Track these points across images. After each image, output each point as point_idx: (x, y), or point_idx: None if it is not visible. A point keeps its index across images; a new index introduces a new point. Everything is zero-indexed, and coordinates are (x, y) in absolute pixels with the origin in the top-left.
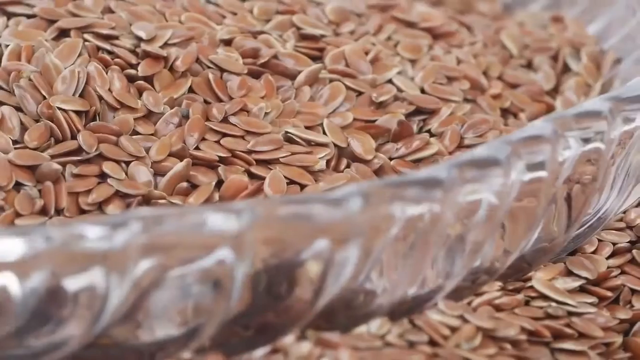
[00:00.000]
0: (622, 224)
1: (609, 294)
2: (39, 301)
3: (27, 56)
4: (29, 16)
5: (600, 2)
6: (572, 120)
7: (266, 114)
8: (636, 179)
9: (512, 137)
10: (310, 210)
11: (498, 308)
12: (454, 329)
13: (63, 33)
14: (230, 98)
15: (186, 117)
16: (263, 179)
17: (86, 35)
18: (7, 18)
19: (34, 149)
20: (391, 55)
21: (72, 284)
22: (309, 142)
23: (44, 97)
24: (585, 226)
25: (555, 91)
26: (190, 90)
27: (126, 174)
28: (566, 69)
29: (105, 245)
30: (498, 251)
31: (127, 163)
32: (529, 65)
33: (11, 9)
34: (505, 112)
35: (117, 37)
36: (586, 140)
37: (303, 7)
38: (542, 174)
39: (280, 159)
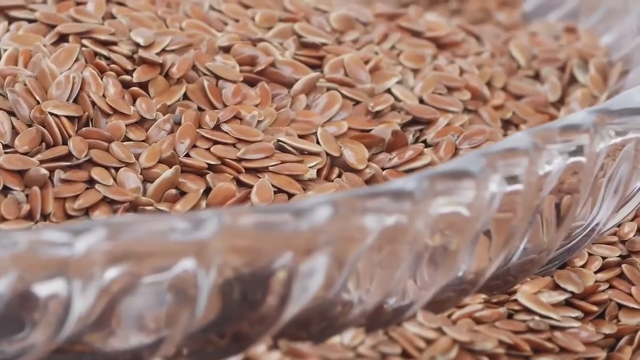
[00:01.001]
0: (614, 238)
1: (595, 308)
2: (5, 306)
3: (25, 61)
4: (30, 21)
5: (615, 13)
6: (555, 132)
7: (259, 122)
8: (623, 191)
9: (489, 149)
10: (276, 220)
11: (478, 321)
12: (429, 342)
13: (62, 38)
14: (225, 105)
15: (178, 123)
16: (251, 187)
17: (84, 41)
18: (10, 22)
19: (24, 154)
20: (393, 64)
21: (37, 289)
22: (301, 151)
23: (38, 102)
24: (576, 239)
25: (561, 102)
26: (186, 97)
27: (115, 180)
28: (573, 80)
29: (67, 252)
30: (481, 263)
31: (117, 169)
32: (536, 76)
33: (14, 13)
34: (507, 123)
35: (115, 43)
36: (571, 153)
37: (307, 15)
38: (518, 186)
39: (269, 168)
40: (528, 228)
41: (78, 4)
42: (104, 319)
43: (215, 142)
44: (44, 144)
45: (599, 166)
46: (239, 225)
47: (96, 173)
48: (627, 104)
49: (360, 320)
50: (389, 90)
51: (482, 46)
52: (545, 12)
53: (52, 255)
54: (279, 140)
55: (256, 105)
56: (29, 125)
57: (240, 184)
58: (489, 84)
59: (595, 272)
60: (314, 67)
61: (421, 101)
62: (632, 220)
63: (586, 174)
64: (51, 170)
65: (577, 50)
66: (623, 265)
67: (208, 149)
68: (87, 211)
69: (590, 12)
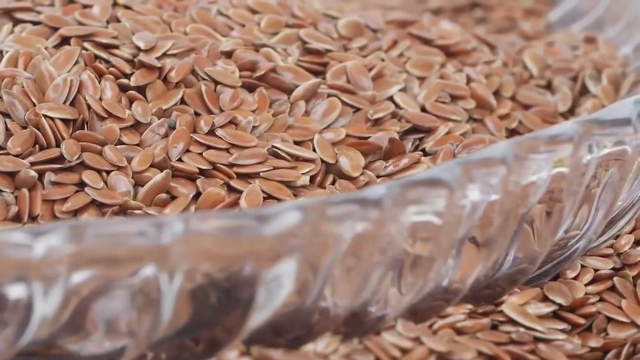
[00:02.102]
0: (610, 250)
1: (582, 321)
2: None
3: (25, 63)
4: (35, 23)
5: (636, 22)
6: (540, 142)
7: (254, 127)
8: (611, 202)
9: (467, 158)
10: (240, 226)
11: (460, 331)
12: (405, 351)
13: (65, 41)
14: (222, 110)
15: (173, 128)
16: (242, 192)
17: (85, 44)
18: (15, 24)
19: (17, 156)
20: (398, 72)
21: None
22: (295, 157)
23: (34, 104)
24: (570, 250)
25: (571, 113)
26: (183, 101)
27: (106, 183)
28: (585, 90)
29: (26, 254)
30: (467, 272)
31: (109, 172)
32: (548, 86)
33: (19, 15)
34: (512, 133)
35: (117, 47)
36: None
37: (315, 21)
38: (494, 196)
39: (260, 173)
40: (514, 237)
41: (85, 6)
42: (75, 323)
43: (209, 147)
44: (37, 146)
45: (589, 176)
46: (201, 231)
47: (87, 176)
48: (618, 114)
49: (337, 327)
50: (391, 98)
51: (496, 55)
52: (572, 22)
53: (11, 257)
54: (273, 146)
55: (253, 111)
56: (24, 127)
57: (231, 189)
58: (497, 93)
59: (587, 285)
60: (317, 73)
61: (423, 109)
62: (630, 232)
63: (569, 184)
64: (42, 173)
65: (592, 60)
66: (615, 278)
67: (201, 154)
68: (75, 214)
69: (614, 22)
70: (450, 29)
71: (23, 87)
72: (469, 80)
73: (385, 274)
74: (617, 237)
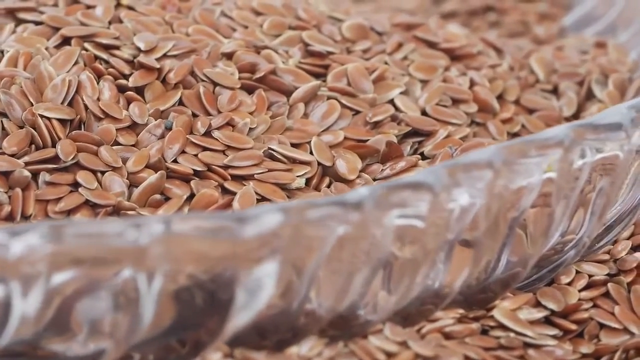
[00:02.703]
0: (606, 256)
1: (573, 327)
2: None
3: (25, 63)
4: (37, 23)
5: None
6: (531, 147)
7: (251, 129)
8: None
9: (455, 161)
10: (219, 227)
11: (448, 336)
12: (390, 355)
13: (66, 41)
14: (220, 112)
15: (170, 129)
16: (235, 194)
17: (86, 44)
18: (18, 24)
19: (12, 155)
20: (400, 75)
21: None
22: (291, 160)
23: (32, 104)
24: (567, 254)
25: (576, 118)
26: (182, 103)
27: (100, 183)
28: (591, 95)
29: (3, 253)
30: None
31: (104, 173)
32: (554, 91)
33: (22, 15)
34: (515, 137)
35: (118, 47)
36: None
37: (319, 23)
38: (479, 200)
39: (255, 175)
40: (506, 241)
41: (88, 7)
42: (58, 323)
43: (205, 149)
44: (33, 146)
45: (584, 180)
46: (180, 232)
47: (81, 176)
48: (611, 119)
49: (323, 330)
50: (391, 101)
51: (502, 59)
52: (586, 26)
53: None
54: (269, 148)
55: (251, 113)
56: (21, 127)
57: (225, 191)
58: (501, 97)
59: (581, 290)
60: (319, 75)
61: (424, 112)
62: (628, 238)
63: (559, 188)
64: (37, 173)
65: (599, 65)
66: (609, 284)
67: (196, 155)
68: (69, 214)
69: (627, 26)
70: (457, 32)
71: (21, 87)
72: (472, 83)
73: (371, 277)
74: (614, 242)
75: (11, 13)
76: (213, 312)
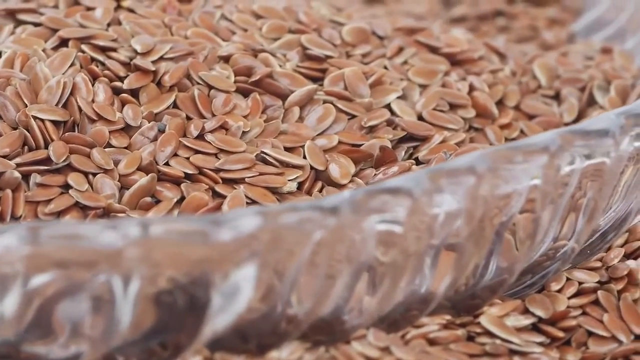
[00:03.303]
0: (598, 264)
1: (561, 334)
2: None
3: (21, 64)
4: (36, 24)
5: None
6: (516, 153)
7: (245, 132)
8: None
9: (438, 167)
10: (194, 230)
11: (433, 342)
12: None
13: (63, 42)
14: (214, 115)
15: (163, 131)
16: (226, 197)
17: (83, 46)
18: (17, 24)
19: (4, 156)
20: (399, 79)
21: None
22: (283, 164)
23: (26, 106)
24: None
25: (576, 123)
26: (176, 105)
27: (91, 185)
28: (593, 101)
29: None
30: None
31: (95, 175)
32: (556, 96)
33: (22, 16)
34: None
35: (115, 49)
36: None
37: (320, 27)
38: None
39: (246, 179)
40: (494, 247)
41: (88, 9)
42: (38, 324)
43: (197, 152)
44: (26, 147)
45: (574, 186)
46: (157, 235)
47: (72, 178)
48: (599, 125)
49: (306, 334)
50: (388, 106)
51: (505, 64)
52: (596, 31)
53: None
54: (262, 152)
55: (245, 116)
56: (15, 129)
57: (216, 194)
58: (501, 103)
59: (570, 297)
60: (316, 79)
61: (421, 117)
62: (621, 245)
63: (544, 194)
64: (28, 174)
65: (603, 71)
66: (599, 292)
67: (188, 158)
68: (58, 215)
69: (636, 31)
70: (460, 37)
71: (16, 88)
72: (472, 88)
73: (354, 282)
74: (608, 250)
75: (11, 14)
76: (189, 316)
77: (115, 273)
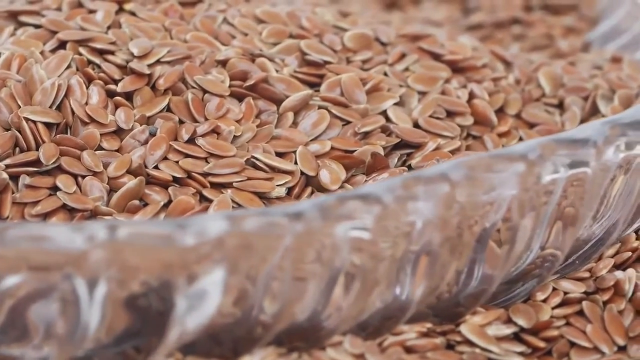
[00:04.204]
0: (587, 274)
1: (542, 344)
2: None
3: (19, 65)
4: (36, 26)
5: None
6: (494, 161)
7: (236, 137)
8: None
9: (412, 174)
10: (164, 234)
11: (410, 350)
12: None
13: (62, 45)
14: (207, 119)
15: (154, 135)
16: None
17: (81, 49)
18: (19, 26)
19: None
20: (398, 86)
21: None
22: (273, 169)
23: (20, 107)
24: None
25: None
26: (170, 109)
27: (80, 188)
28: (596, 110)
29: None
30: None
31: (85, 177)
32: (560, 105)
33: (23, 18)
34: None
35: (112, 52)
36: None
37: (322, 32)
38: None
39: (233, 184)
40: (477, 255)
41: (90, 11)
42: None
43: (187, 156)
44: (17, 148)
45: (558, 195)
46: (123, 238)
47: (60, 180)
48: (583, 134)
49: (280, 339)
50: (384, 112)
51: (510, 72)
52: (612, 40)
53: None
54: (252, 157)
55: (238, 121)
56: (8, 130)
57: (203, 198)
58: (502, 110)
59: (555, 307)
60: (314, 85)
61: (417, 124)
62: (612, 256)
63: (521, 202)
64: (18, 175)
65: (608, 80)
66: (583, 302)
67: (178, 162)
68: (45, 217)
69: None
70: (467, 44)
71: (11, 89)
72: (472, 96)
73: (329, 287)
74: (599, 259)
75: (13, 16)
76: (155, 320)
77: (79, 275)
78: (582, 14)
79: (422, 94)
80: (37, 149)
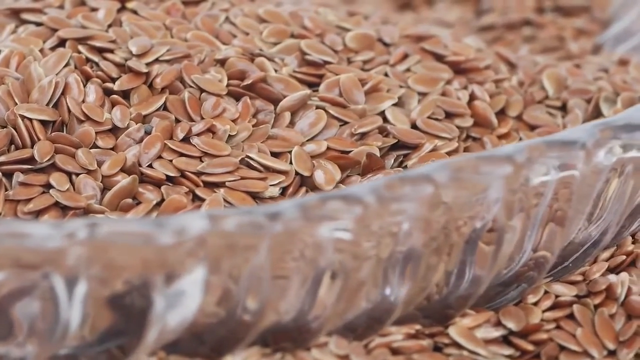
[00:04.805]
0: (580, 277)
1: (530, 347)
2: None
3: (18, 63)
4: (37, 24)
5: None
6: (480, 162)
7: (231, 136)
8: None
9: (397, 175)
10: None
11: (396, 351)
12: None
13: (62, 43)
14: (203, 118)
15: (149, 133)
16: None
17: (80, 47)
18: (20, 24)
19: None
20: (398, 86)
21: None
22: (267, 168)
23: (17, 105)
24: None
25: None
26: (167, 108)
27: (74, 185)
28: (599, 113)
29: None
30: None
31: (79, 175)
32: (563, 107)
33: (25, 16)
34: None
35: (112, 50)
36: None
37: (324, 32)
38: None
39: (226, 183)
40: (467, 256)
41: (93, 9)
42: None
43: (181, 154)
44: (13, 145)
45: (549, 197)
46: (103, 236)
47: (54, 178)
48: (571, 136)
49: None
50: (383, 113)
51: (514, 74)
52: (623, 41)
53: None
54: (247, 156)
55: (234, 120)
56: (3, 127)
57: (196, 197)
58: (503, 112)
59: (546, 310)
60: (313, 85)
61: (415, 125)
62: (607, 259)
63: (508, 204)
64: (12, 172)
65: (613, 82)
66: (574, 306)
67: (172, 161)
68: (37, 215)
69: None
70: (471, 45)
71: (9, 87)
72: (473, 97)
73: (315, 288)
74: (593, 262)
75: (15, 13)
76: (134, 318)
77: (57, 273)
78: (594, 16)
79: (423, 94)
80: (32, 147)
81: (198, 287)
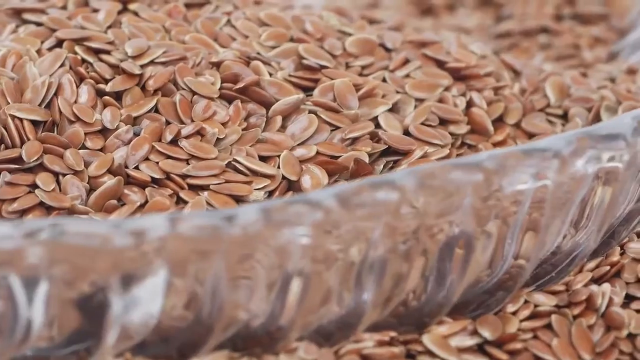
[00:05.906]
0: (562, 287)
1: (504, 357)
2: None
3: (14, 63)
4: (38, 24)
5: None
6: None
7: (220, 139)
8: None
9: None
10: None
11: (366, 358)
12: None
13: (60, 43)
14: (193, 121)
15: (138, 135)
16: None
17: (76, 48)
18: (21, 23)
19: None
20: (394, 92)
21: None
22: (255, 172)
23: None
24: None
25: None
26: (159, 110)
27: (60, 186)
28: (600, 122)
29: None
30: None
31: (65, 175)
32: (565, 115)
33: (26, 15)
34: None
35: (108, 52)
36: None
37: (324, 36)
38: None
39: (211, 186)
40: (442, 264)
41: (94, 10)
42: None
43: (168, 157)
44: (2, 145)
45: (527, 205)
46: (62, 238)
47: (40, 178)
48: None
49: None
50: (376, 118)
51: (517, 81)
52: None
53: None
54: (234, 160)
55: (224, 123)
56: None
57: (180, 200)
58: (501, 119)
59: (524, 320)
60: (309, 89)
61: (407, 131)
62: (591, 270)
63: (478, 213)
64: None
65: (616, 91)
66: (553, 315)
67: (158, 163)
68: (22, 214)
69: None
70: (475, 51)
71: (2, 87)
72: (470, 104)
73: (282, 292)
74: (578, 272)
75: (17, 13)
76: (92, 320)
77: (15, 273)
78: (611, 24)
79: (420, 100)
80: (22, 147)
81: (159, 289)
